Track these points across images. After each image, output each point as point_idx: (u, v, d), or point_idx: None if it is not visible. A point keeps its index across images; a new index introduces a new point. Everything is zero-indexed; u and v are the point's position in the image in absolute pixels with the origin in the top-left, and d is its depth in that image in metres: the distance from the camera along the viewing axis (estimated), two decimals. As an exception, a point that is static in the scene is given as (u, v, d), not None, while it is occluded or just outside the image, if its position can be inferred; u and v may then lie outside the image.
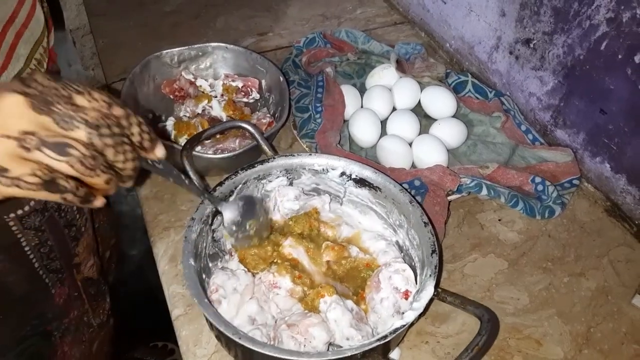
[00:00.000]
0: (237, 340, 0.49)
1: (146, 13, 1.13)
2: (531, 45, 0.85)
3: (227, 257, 0.64)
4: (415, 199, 0.62)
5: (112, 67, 0.99)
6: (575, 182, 0.79)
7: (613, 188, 0.78)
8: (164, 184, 0.77)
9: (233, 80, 0.84)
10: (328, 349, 0.55)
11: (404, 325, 0.51)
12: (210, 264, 0.62)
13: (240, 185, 0.64)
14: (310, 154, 0.67)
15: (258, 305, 0.58)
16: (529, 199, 0.76)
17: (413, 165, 0.80)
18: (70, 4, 1.49)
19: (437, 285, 0.54)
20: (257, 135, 0.68)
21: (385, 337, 0.50)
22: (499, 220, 0.77)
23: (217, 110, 0.82)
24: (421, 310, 0.52)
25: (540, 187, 0.77)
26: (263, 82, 0.86)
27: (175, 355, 1.38)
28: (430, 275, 0.55)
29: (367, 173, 0.65)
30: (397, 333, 0.50)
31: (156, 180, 0.78)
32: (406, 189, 0.63)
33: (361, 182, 0.66)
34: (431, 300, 0.54)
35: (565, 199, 0.78)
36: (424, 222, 0.59)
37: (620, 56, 0.70)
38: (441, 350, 0.61)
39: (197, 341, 0.60)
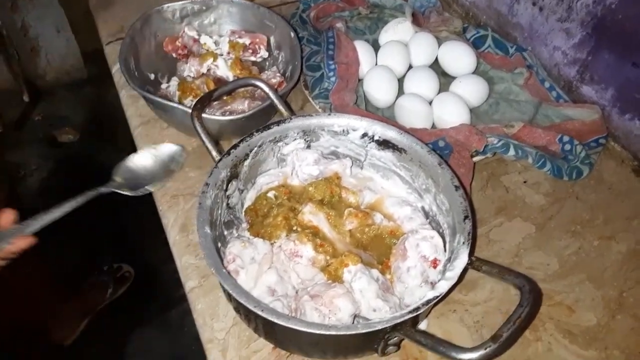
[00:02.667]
0: (259, 313, 0.45)
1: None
2: (557, -5, 0.79)
3: (243, 224, 0.60)
4: (445, 160, 0.58)
5: (106, 25, 0.92)
6: (602, 141, 0.76)
7: (643, 147, 0.74)
8: (170, 149, 0.73)
9: (240, 37, 0.78)
10: (353, 321, 0.52)
11: (437, 297, 0.47)
12: (226, 232, 0.58)
13: (255, 148, 0.60)
14: (329, 114, 0.63)
15: (277, 275, 0.55)
16: (556, 159, 0.72)
17: (433, 126, 0.76)
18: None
19: (471, 254, 0.51)
20: (271, 95, 0.63)
21: (418, 309, 0.47)
22: (524, 182, 0.73)
23: (224, 69, 0.76)
24: (455, 280, 0.49)
25: (567, 147, 0.73)
26: (272, 38, 0.80)
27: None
28: (463, 243, 0.51)
29: (392, 134, 0.61)
30: (429, 305, 0.47)
31: (161, 146, 0.73)
32: (434, 150, 0.59)
33: (384, 143, 0.62)
34: (465, 270, 0.50)
35: (592, 159, 0.74)
36: (455, 186, 0.56)
37: (660, 4, 0.65)
38: (470, 319, 0.59)
39: (213, 314, 0.57)
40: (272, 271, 0.55)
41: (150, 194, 0.68)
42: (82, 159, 1.93)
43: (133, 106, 0.78)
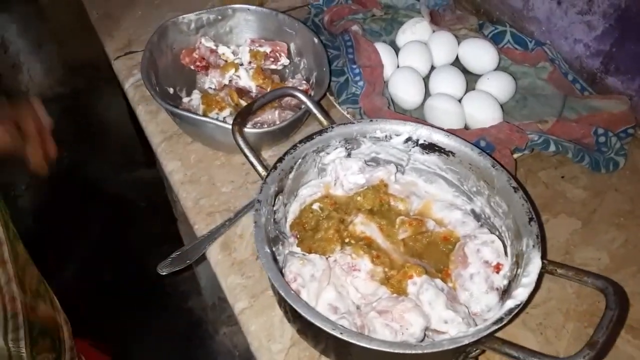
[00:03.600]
0: (338, 335, 0.43)
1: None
2: (577, -13, 0.79)
3: (290, 239, 0.57)
4: (498, 162, 0.56)
5: (112, 41, 0.89)
6: (631, 131, 0.75)
7: (675, 134, 0.74)
8: (197, 165, 0.70)
9: (260, 46, 0.76)
10: (425, 335, 0.49)
11: (518, 305, 0.46)
12: (273, 248, 0.55)
13: (299, 160, 0.57)
14: (371, 121, 0.60)
15: (336, 292, 0.52)
16: (592, 152, 0.72)
17: (466, 126, 0.74)
18: (42, -26, 1.36)
19: (543, 257, 0.49)
20: (309, 104, 0.61)
21: (501, 319, 0.45)
22: (562, 177, 0.72)
23: (246, 79, 0.74)
24: (532, 286, 0.47)
25: (602, 139, 0.72)
26: (292, 45, 0.78)
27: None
28: (533, 246, 0.49)
29: (438, 137, 0.59)
30: (512, 314, 0.45)
31: (188, 162, 0.70)
32: (485, 152, 0.57)
33: (430, 147, 0.60)
34: (541, 275, 0.48)
35: (626, 149, 0.74)
36: (513, 188, 0.54)
37: (692, -9, 0.64)
38: (532, 322, 0.57)
39: (269, 336, 0.54)
40: (331, 287, 0.52)
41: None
42: (72, 173, 1.88)
43: (152, 122, 0.75)
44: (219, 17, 0.77)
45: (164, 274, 0.58)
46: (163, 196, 1.80)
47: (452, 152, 0.59)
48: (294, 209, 0.60)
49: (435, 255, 0.57)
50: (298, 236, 0.58)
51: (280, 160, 0.55)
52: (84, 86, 1.72)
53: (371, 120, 0.61)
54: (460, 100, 0.76)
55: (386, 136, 0.61)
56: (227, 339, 1.53)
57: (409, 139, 0.60)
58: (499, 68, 0.82)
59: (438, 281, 0.52)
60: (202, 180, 0.68)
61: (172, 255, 0.59)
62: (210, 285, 1.45)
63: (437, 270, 0.56)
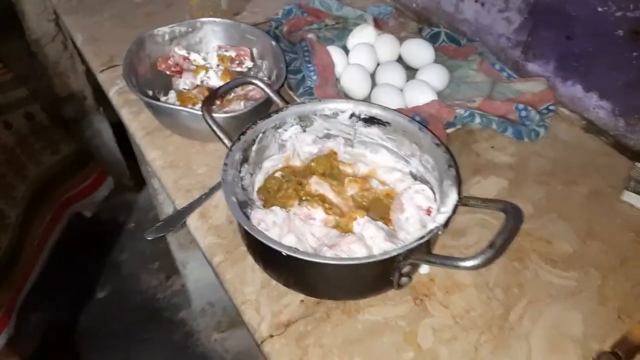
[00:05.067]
0: (291, 254, 0.52)
1: (118, 6, 1.14)
2: (495, -10, 0.92)
3: (257, 203, 0.67)
4: (424, 126, 0.67)
5: (96, 58, 1.00)
6: (552, 107, 0.87)
7: (586, 106, 0.86)
8: (176, 153, 0.80)
9: (226, 51, 0.87)
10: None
11: (437, 226, 0.56)
12: (242, 210, 0.66)
13: (260, 134, 0.68)
14: (319, 100, 0.72)
15: (296, 237, 0.62)
16: (516, 125, 0.84)
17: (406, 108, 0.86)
18: (29, 13, 1.49)
19: (458, 193, 0.60)
20: (267, 89, 0.72)
21: (423, 237, 0.55)
22: (492, 147, 0.83)
23: (215, 79, 0.85)
24: (450, 213, 0.58)
25: (523, 113, 0.84)
26: (254, 50, 0.89)
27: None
28: (451, 185, 0.60)
29: (376, 110, 0.70)
30: (432, 233, 0.56)
31: (167, 151, 0.80)
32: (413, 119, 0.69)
33: (370, 120, 0.71)
34: (456, 205, 0.59)
35: (546, 122, 0.86)
36: (436, 144, 0.65)
37: (580, -17, 0.78)
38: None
39: (242, 281, 0.64)
40: (291, 234, 0.62)
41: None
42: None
43: (135, 121, 0.85)
44: (190, 29, 0.89)
45: (149, 238, 0.67)
46: (151, 216, 1.89)
47: (388, 123, 0.70)
48: (259, 179, 0.71)
49: (379, 208, 0.68)
50: (263, 199, 0.68)
51: (243, 133, 0.66)
52: (71, 117, 1.83)
53: (320, 100, 0.72)
54: (402, 90, 0.88)
55: (333, 113, 0.72)
56: (219, 344, 1.60)
57: (352, 115, 0.72)
58: (437, 63, 0.95)
59: (379, 222, 0.63)
60: (180, 165, 0.78)
61: (157, 224, 0.69)
62: (199, 289, 1.53)
63: (381, 219, 0.66)
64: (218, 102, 0.79)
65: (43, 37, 1.49)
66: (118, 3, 1.16)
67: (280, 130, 0.71)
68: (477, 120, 0.80)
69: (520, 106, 0.84)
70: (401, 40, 0.97)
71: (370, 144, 0.74)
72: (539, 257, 0.68)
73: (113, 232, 1.89)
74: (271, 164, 0.71)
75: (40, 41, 1.50)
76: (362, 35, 0.97)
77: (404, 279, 0.57)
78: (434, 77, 0.89)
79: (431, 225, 0.56)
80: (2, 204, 1.38)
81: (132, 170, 1.87)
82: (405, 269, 0.56)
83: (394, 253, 0.53)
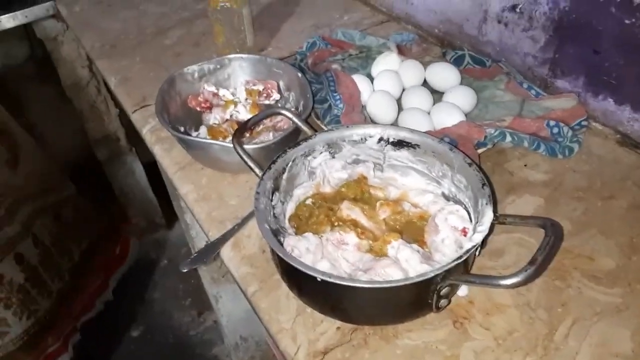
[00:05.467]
0: (325, 279, 0.52)
1: (148, 49, 1.19)
2: (518, 10, 0.93)
3: (289, 231, 0.68)
4: (455, 145, 0.67)
5: (129, 98, 1.03)
6: (584, 123, 0.86)
7: (620, 120, 0.84)
8: (208, 186, 0.81)
9: (254, 85, 0.90)
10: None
11: (474, 245, 0.55)
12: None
13: (290, 163, 0.69)
14: (347, 127, 0.72)
15: (330, 264, 0.62)
16: (548, 142, 0.82)
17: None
18: (64, 60, 1.56)
19: (494, 211, 0.59)
20: (295, 119, 0.73)
21: (461, 257, 0.54)
22: (525, 165, 0.82)
23: (244, 113, 0.87)
24: (486, 231, 0.56)
25: (555, 130, 0.83)
26: (281, 82, 0.91)
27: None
28: (486, 204, 0.59)
29: (404, 134, 0.70)
30: (470, 252, 0.54)
31: (200, 184, 0.82)
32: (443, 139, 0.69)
33: (399, 143, 0.71)
34: (493, 225, 0.58)
35: (580, 138, 0.84)
36: (468, 163, 0.65)
37: (603, -3, 0.78)
38: (505, 280, 0.65)
39: (277, 309, 0.63)
40: (325, 260, 0.62)
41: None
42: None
43: (168, 157, 0.88)
44: (218, 66, 0.92)
45: (185, 270, 0.68)
46: (183, 252, 1.92)
47: (417, 145, 0.70)
48: (290, 207, 0.71)
49: (413, 231, 0.67)
50: (295, 226, 0.68)
51: (273, 162, 0.67)
52: (105, 159, 1.89)
53: (347, 127, 0.72)
54: (429, 113, 0.88)
55: (362, 139, 0.72)
56: (253, 380, 1.59)
57: (381, 139, 0.72)
58: (463, 84, 0.95)
59: (414, 245, 0.62)
60: (212, 197, 0.79)
61: (191, 256, 0.70)
62: (231, 324, 1.53)
63: (415, 241, 0.65)
64: (248, 134, 0.81)
65: (78, 83, 1.55)
66: (148, 45, 1.21)
67: (309, 158, 0.72)
68: (508, 138, 0.79)
69: (552, 123, 0.83)
70: (425, 65, 0.97)
71: (401, 167, 0.74)
72: (581, 274, 0.65)
73: (146, 270, 1.92)
74: (302, 191, 0.72)
75: (75, 87, 1.57)
76: (386, 63, 0.98)
77: (442, 301, 0.56)
78: (461, 99, 0.89)
79: (468, 245, 0.55)
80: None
81: (164, 209, 1.92)
82: (444, 291, 0.54)
83: (432, 274, 0.52)
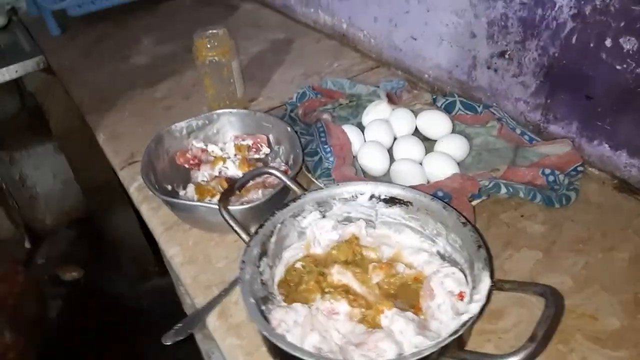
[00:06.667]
0: (317, 363, 0.49)
1: (138, 102, 1.19)
2: (507, 56, 0.92)
3: (278, 298, 0.65)
4: (448, 203, 0.65)
5: (117, 155, 1.02)
6: (580, 168, 0.84)
7: (617, 165, 0.82)
8: (195, 247, 0.79)
9: (243, 140, 0.88)
10: (400, 360, 0.55)
11: (471, 317, 0.52)
12: (263, 307, 0.63)
13: (278, 225, 0.66)
14: (338, 184, 0.70)
15: (320, 336, 0.59)
16: (544, 190, 0.80)
17: (428, 183, 0.83)
18: (55, 112, 1.56)
19: (491, 276, 0.56)
20: (283, 178, 0.71)
21: (457, 331, 0.51)
22: (522, 216, 0.80)
23: (233, 169, 0.85)
24: (483, 301, 0.54)
25: (551, 178, 0.81)
26: (270, 136, 0.90)
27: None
28: (482, 268, 0.57)
29: (396, 191, 0.68)
30: (467, 326, 0.52)
31: (187, 246, 0.79)
32: (436, 196, 0.66)
33: (391, 201, 0.69)
34: (490, 291, 0.55)
35: (576, 185, 0.82)
36: (462, 223, 0.62)
37: (592, 44, 0.77)
38: (505, 344, 0.62)
39: (267, 386, 0.60)
40: (315, 332, 0.59)
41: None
42: (89, 295, 1.96)
43: (155, 217, 0.85)
44: (207, 122, 0.90)
45: (168, 344, 0.65)
46: (176, 301, 1.87)
47: (410, 202, 0.68)
48: (279, 271, 0.68)
49: (408, 294, 0.64)
50: (284, 293, 0.65)
51: (261, 226, 0.65)
52: (98, 207, 1.87)
53: (338, 184, 0.70)
54: (421, 163, 0.86)
55: (352, 196, 0.70)
56: None
57: (372, 196, 0.70)
58: (454, 132, 0.93)
59: (408, 313, 0.59)
60: (199, 259, 0.77)
61: (175, 326, 0.66)
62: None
63: (411, 307, 0.63)
64: (233, 197, 0.79)
65: (69, 134, 1.55)
66: (138, 99, 1.20)
67: (299, 218, 0.69)
68: (503, 190, 0.77)
69: (547, 171, 0.81)
70: (416, 112, 0.96)
71: (394, 224, 0.71)
72: (584, 336, 0.62)
73: (138, 319, 1.87)
74: (291, 253, 0.69)
75: (66, 138, 1.56)
76: (377, 112, 0.97)
77: (439, 377, 0.53)
78: (453, 148, 0.87)
79: (465, 317, 0.52)
80: None
81: (157, 256, 1.88)
82: (440, 367, 0.51)
83: (427, 352, 0.49)
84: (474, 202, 0.78)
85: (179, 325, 0.66)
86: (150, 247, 1.89)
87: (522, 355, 0.45)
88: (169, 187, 0.84)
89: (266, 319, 0.57)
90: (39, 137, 1.59)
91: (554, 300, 0.50)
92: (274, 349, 0.57)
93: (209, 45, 0.96)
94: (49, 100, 1.51)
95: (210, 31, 0.97)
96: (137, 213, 0.88)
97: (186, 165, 0.88)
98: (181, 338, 0.65)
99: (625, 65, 0.75)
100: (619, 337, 0.62)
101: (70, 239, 2.13)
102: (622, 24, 0.72)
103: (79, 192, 1.75)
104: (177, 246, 0.79)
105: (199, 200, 0.80)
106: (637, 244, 0.73)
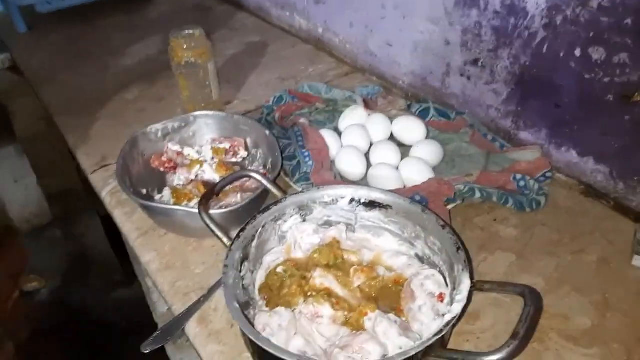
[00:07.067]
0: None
1: (110, 104, 1.16)
2: (479, 64, 0.95)
3: (259, 303, 0.64)
4: (426, 206, 0.66)
5: (88, 158, 0.99)
6: (549, 174, 0.87)
7: (583, 171, 0.86)
8: (172, 253, 0.78)
9: (220, 143, 0.87)
10: (384, 361, 0.56)
11: (454, 317, 0.53)
12: (244, 312, 0.62)
13: (260, 229, 0.66)
14: (318, 188, 0.71)
15: (304, 340, 0.59)
16: (516, 195, 0.83)
17: (404, 187, 0.85)
18: (20, 113, 1.51)
19: (471, 278, 0.57)
20: (264, 181, 0.71)
21: (441, 331, 0.52)
22: (495, 220, 0.82)
23: (210, 173, 0.84)
24: (464, 301, 0.55)
25: (522, 183, 0.83)
26: (248, 139, 0.90)
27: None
28: (462, 270, 0.58)
29: (376, 195, 0.69)
30: (449, 326, 0.53)
31: (163, 251, 0.78)
32: (415, 200, 0.68)
33: (371, 204, 0.70)
34: (471, 292, 0.57)
35: (545, 190, 0.85)
36: (441, 225, 0.64)
37: (562, 54, 0.80)
38: (483, 344, 0.64)
39: (250, 391, 0.59)
40: (299, 336, 0.59)
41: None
42: (54, 303, 1.90)
43: (129, 222, 0.84)
44: (183, 124, 0.89)
45: (146, 352, 0.63)
46: (145, 313, 1.83)
47: (389, 206, 0.69)
48: (260, 276, 0.68)
49: (389, 297, 0.65)
50: (266, 297, 0.65)
51: (242, 229, 0.64)
52: (62, 215, 1.81)
53: (318, 188, 0.71)
54: (397, 168, 0.87)
55: (333, 200, 0.71)
56: None
57: (352, 200, 0.70)
58: (429, 138, 0.95)
59: (391, 315, 0.60)
60: (176, 265, 0.76)
61: (153, 334, 0.65)
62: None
63: (392, 309, 0.63)
64: (211, 201, 0.78)
65: (34, 137, 1.50)
66: (110, 101, 1.17)
67: (279, 222, 0.69)
68: (477, 194, 0.79)
69: (518, 176, 0.83)
70: (392, 118, 0.97)
71: (373, 228, 0.72)
72: (558, 335, 0.64)
73: (104, 332, 1.82)
74: (272, 258, 0.69)
75: (31, 141, 1.51)
76: (353, 117, 0.98)
77: (423, 378, 0.53)
78: (428, 153, 0.89)
79: (448, 317, 0.53)
80: None
81: (124, 265, 1.84)
82: (424, 367, 0.52)
83: (412, 352, 0.50)
84: (450, 206, 0.79)
85: (158, 332, 0.65)
86: (117, 256, 1.84)
87: (506, 351, 0.47)
88: (144, 191, 0.83)
89: (250, 324, 0.56)
90: (0, 140, 1.53)
91: (533, 300, 0.51)
92: (259, 353, 0.56)
93: (185, 46, 0.95)
94: (13, 101, 1.46)
95: (187, 31, 0.96)
96: (104, 220, 0.86)
97: (161, 169, 0.86)
98: (160, 346, 0.64)
99: (593, 75, 0.78)
100: (591, 335, 0.64)
101: (30, 247, 2.06)
102: (591, 34, 0.75)
103: (42, 197, 1.69)
104: (153, 252, 0.78)
105: (175, 204, 0.79)
106: (604, 246, 0.76)
